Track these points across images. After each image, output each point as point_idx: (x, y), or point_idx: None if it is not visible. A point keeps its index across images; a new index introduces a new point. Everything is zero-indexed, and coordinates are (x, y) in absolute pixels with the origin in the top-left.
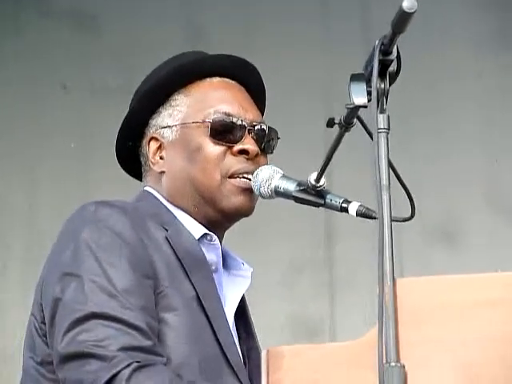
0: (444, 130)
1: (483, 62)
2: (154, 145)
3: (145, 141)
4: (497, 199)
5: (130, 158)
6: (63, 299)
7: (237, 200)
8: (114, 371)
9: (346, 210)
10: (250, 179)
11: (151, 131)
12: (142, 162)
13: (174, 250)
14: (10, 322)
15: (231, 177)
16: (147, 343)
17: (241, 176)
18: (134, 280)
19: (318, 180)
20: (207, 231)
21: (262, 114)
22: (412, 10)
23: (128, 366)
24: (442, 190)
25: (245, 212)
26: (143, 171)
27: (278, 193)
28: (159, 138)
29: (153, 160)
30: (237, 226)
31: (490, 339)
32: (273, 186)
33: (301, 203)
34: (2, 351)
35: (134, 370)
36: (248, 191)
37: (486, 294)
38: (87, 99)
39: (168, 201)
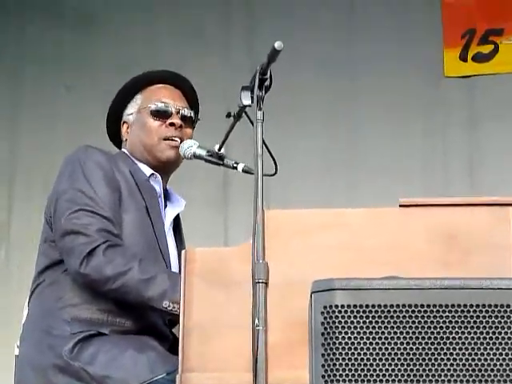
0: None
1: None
2: (125, 126)
3: (121, 124)
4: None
5: (115, 135)
6: (62, 198)
7: (168, 153)
8: (95, 245)
9: (236, 168)
10: (176, 141)
11: (124, 119)
12: (121, 137)
13: (134, 179)
14: None
15: (164, 139)
16: (115, 230)
17: (170, 139)
18: (106, 191)
19: (219, 149)
20: (153, 171)
21: (194, 108)
22: (280, 48)
23: (104, 242)
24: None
25: (173, 161)
26: (122, 141)
27: (195, 156)
28: (127, 121)
29: (124, 134)
30: (176, 178)
31: (331, 247)
32: (192, 151)
33: (209, 163)
34: None
35: (108, 247)
36: (175, 148)
37: (327, 219)
38: None
39: (131, 155)
